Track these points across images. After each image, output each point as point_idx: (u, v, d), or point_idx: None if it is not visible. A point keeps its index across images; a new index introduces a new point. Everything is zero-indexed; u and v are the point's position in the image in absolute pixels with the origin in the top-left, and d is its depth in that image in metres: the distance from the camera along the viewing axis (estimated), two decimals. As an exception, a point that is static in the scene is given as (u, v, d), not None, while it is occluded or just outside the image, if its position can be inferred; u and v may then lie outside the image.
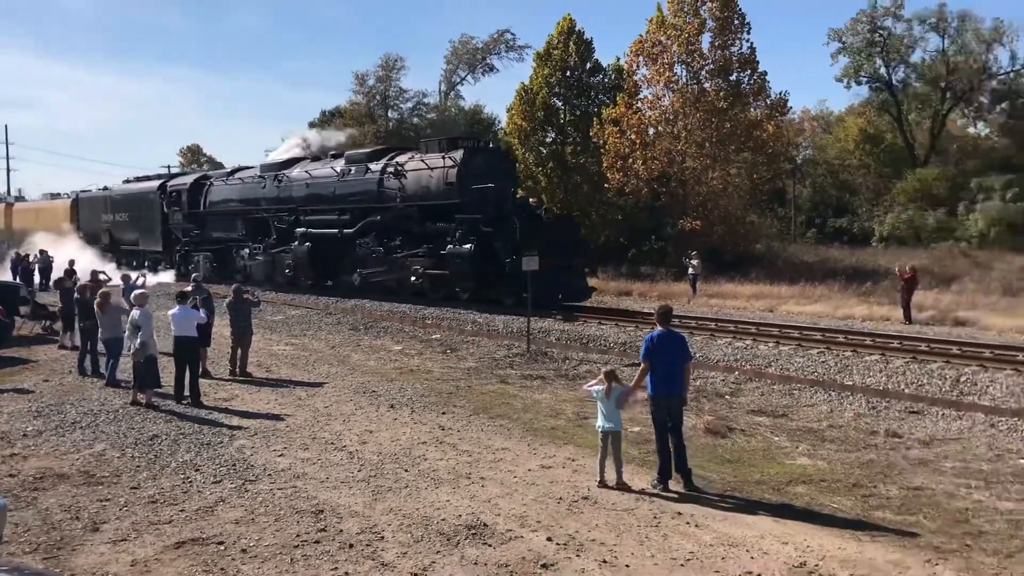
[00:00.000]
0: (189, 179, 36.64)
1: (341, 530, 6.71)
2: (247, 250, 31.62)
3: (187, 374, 11.78)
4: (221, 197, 33.40)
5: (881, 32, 48.94)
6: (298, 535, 6.60)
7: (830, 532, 6.68)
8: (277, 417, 10.63)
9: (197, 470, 8.36)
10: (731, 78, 38.07)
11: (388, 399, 11.66)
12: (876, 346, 15.14)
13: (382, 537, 6.56)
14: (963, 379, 12.22)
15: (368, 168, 26.04)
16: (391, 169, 25.12)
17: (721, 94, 37.17)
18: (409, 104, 61.22)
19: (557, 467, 8.46)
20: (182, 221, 35.04)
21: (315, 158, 30.84)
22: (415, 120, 59.50)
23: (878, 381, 12.56)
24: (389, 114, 59.47)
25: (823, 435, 9.89)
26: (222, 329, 14.80)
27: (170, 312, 12.28)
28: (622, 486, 7.77)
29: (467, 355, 15.70)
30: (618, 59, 46.59)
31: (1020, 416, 10.48)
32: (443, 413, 10.83)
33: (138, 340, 11.44)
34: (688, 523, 6.89)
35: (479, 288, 22.42)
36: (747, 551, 6.29)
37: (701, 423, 10.09)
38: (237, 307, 13.89)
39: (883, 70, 49.69)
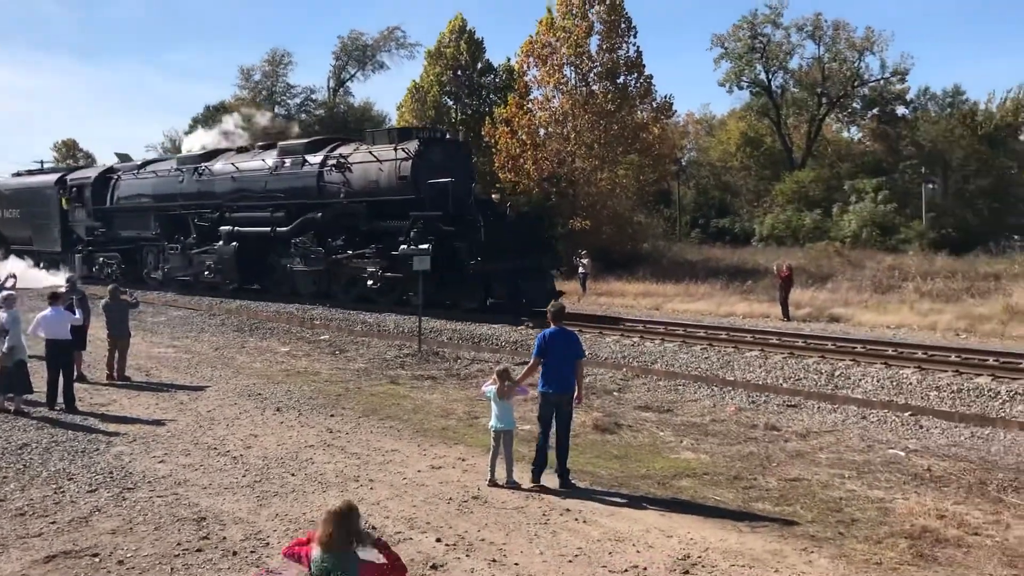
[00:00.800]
0: (93, 172, 33.41)
1: (224, 537, 6.52)
2: (161, 250, 28.90)
3: (60, 378, 11.24)
4: (131, 192, 30.44)
5: (761, 39, 50.77)
6: (179, 544, 6.38)
7: (713, 524, 6.87)
8: (158, 422, 10.26)
9: (71, 479, 7.98)
10: (618, 81, 38.81)
11: (274, 402, 11.41)
12: (756, 342, 15.68)
13: (267, 543, 6.41)
14: (837, 373, 12.77)
15: (305, 161, 23.70)
16: (332, 162, 22.87)
17: (609, 96, 37.84)
18: (297, 100, 60.17)
19: (447, 467, 8.44)
20: (85, 218, 32.02)
21: (241, 149, 28.31)
22: (303, 116, 58.44)
23: (758, 376, 12.99)
24: (276, 110, 58.19)
25: (706, 429, 10.17)
26: (99, 331, 14.20)
27: (41, 314, 11.68)
28: (512, 485, 7.80)
29: (356, 356, 15.51)
30: (509, 59, 46.89)
31: (890, 408, 11.02)
32: (331, 415, 10.66)
33: (6, 344, 10.85)
34: (577, 519, 6.97)
35: (438, 292, 20.35)
36: (633, 545, 6.41)
37: (590, 420, 10.22)
38: (114, 308, 13.34)
39: (763, 75, 51.54)
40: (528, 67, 40.53)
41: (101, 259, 31.69)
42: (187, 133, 66.48)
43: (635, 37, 39.31)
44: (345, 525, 4.19)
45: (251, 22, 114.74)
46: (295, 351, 16.06)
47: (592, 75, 39.05)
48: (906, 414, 10.76)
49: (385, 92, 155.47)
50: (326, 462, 8.57)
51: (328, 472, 8.22)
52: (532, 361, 8.06)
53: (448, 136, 23.67)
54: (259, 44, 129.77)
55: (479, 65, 47.20)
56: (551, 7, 39.70)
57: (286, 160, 24.27)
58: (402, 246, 20.18)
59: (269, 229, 24.28)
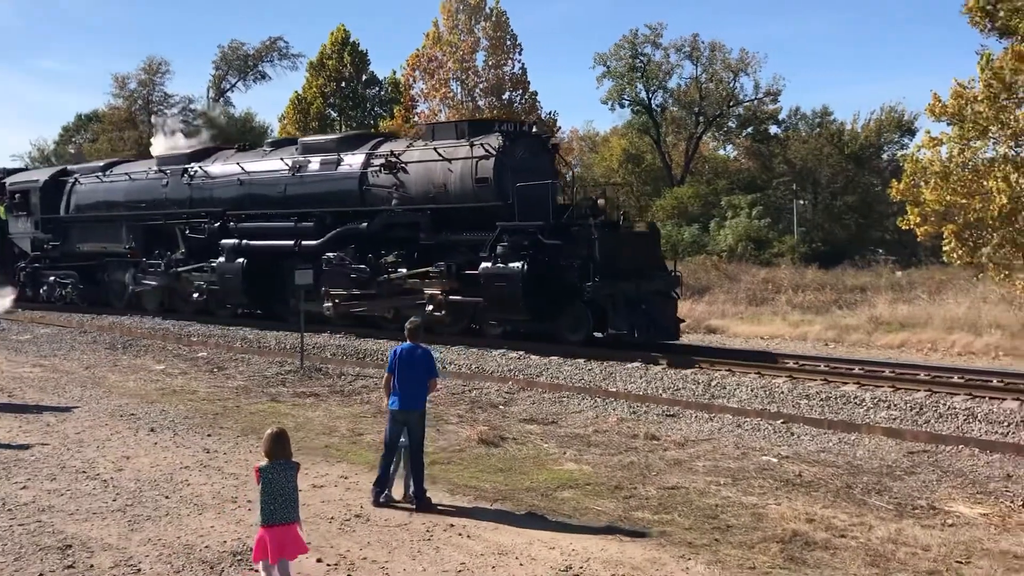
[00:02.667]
0: (41, 175, 28.65)
1: (92, 565, 6.23)
2: (137, 268, 24.38)
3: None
4: (95, 198, 25.86)
5: (642, 59, 52.07)
6: (41, 574, 6.06)
7: (594, 534, 6.96)
8: (21, 446, 9.72)
9: (-79, 510, 7.48)
10: (504, 97, 39.17)
11: (148, 422, 10.98)
12: (637, 354, 15.99)
13: (138, 570, 6.15)
14: (714, 383, 13.17)
15: (341, 161, 19.81)
16: (379, 162, 19.01)
17: (495, 112, 38.16)
18: (175, 110, 58.33)
19: (329, 486, 8.30)
20: (31, 230, 27.42)
21: (243, 147, 24.24)
22: (180, 127, 56.65)
23: (639, 387, 13.28)
24: (152, 120, 56.33)
25: (589, 440, 10.31)
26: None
27: None
28: (414, 498, 7.72)
29: (236, 373, 15.09)
30: (394, 72, 46.74)
31: (763, 416, 11.42)
32: (208, 435, 10.34)
33: None
34: (460, 534, 6.96)
35: (533, 320, 16.85)
36: (516, 558, 6.43)
37: (475, 434, 10.23)
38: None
39: (644, 94, 52.84)
40: (414, 80, 40.52)
41: (52, 278, 27.20)
42: (57, 143, 63.64)
43: (520, 54, 39.85)
44: (280, 441, 5.85)
45: (126, 29, 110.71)
46: (171, 369, 15.51)
47: (478, 90, 39.32)
48: (778, 422, 11.17)
49: (268, 103, 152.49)
50: (203, 483, 8.30)
51: (205, 494, 7.97)
52: (385, 377, 7.97)
53: (534, 129, 19.29)
54: (135, 51, 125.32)
55: (363, 77, 46.85)
56: (438, 21, 39.83)
57: (312, 160, 20.42)
58: (483, 263, 16.73)
59: (291, 243, 20.18)
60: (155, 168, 24.66)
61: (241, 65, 58.58)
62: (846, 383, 12.67)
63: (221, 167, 22.69)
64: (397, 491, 7.79)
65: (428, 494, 7.77)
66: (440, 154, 18.04)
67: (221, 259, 21.58)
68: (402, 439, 7.78)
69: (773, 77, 62.43)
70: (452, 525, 7.16)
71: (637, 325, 15.83)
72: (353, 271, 19.04)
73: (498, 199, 17.14)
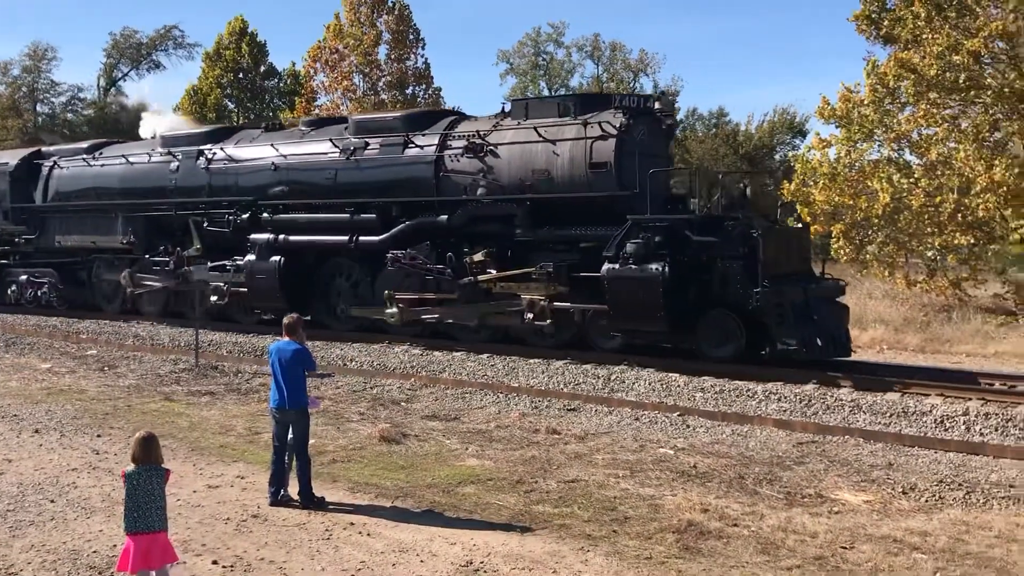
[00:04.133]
0: (11, 158, 24.20)
1: (-31, 575, 5.95)
2: (135, 266, 20.74)
3: None
4: (81, 185, 22.09)
5: (544, 56, 52.53)
6: (-86, 586, 5.76)
7: (495, 529, 7.00)
8: None
9: None
10: (407, 91, 38.93)
11: (33, 423, 10.53)
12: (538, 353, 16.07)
13: (20, 578, 5.90)
14: (613, 377, 13.37)
15: (410, 143, 16.85)
16: (459, 144, 16.18)
17: (398, 106, 37.89)
18: (62, 98, 55.96)
19: (225, 486, 8.12)
20: (0, 220, 23.69)
21: (272, 127, 20.85)
22: (69, 116, 54.47)
23: (541, 381, 13.39)
24: (38, 108, 53.96)
25: (491, 435, 10.36)
26: None
27: None
28: (290, 501, 7.61)
29: (127, 372, 14.60)
30: (294, 64, 45.96)
31: (660, 409, 11.67)
32: (98, 436, 9.98)
33: None
34: (360, 533, 6.90)
35: (673, 331, 14.10)
36: (417, 555, 6.42)
37: (376, 431, 10.15)
38: None
39: (546, 92, 53.23)
40: (315, 72, 39.89)
41: (24, 277, 23.17)
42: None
43: (424, 49, 39.64)
44: (147, 446, 5.62)
45: (9, 12, 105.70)
46: (58, 367, 14.90)
47: (381, 84, 38.96)
48: (675, 414, 11.43)
49: (163, 93, 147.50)
50: (91, 486, 8.01)
51: (93, 496, 7.69)
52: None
53: (657, 104, 15.90)
54: (18, 36, 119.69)
55: (262, 68, 45.90)
56: (339, 13, 39.30)
57: (371, 142, 17.36)
58: (608, 264, 13.98)
59: (347, 238, 17.16)
60: (160, 150, 20.87)
61: (134, 54, 56.58)
62: (740, 377, 13.01)
63: (249, 150, 19.33)
64: (294, 490, 7.67)
65: (326, 493, 7.69)
66: (541, 135, 15.27)
67: (250, 256, 18.31)
68: (289, 437, 7.68)
69: (671, 78, 63.92)
70: (352, 523, 7.09)
71: (809, 339, 13.20)
72: (429, 271, 16.13)
73: (619, 188, 14.53)
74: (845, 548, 6.67)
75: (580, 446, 9.88)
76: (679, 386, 12.71)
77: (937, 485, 8.39)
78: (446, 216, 16.10)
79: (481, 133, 15.97)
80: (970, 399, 11.34)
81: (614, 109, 14.98)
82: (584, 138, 14.80)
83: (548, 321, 14.91)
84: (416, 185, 16.71)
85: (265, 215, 18.48)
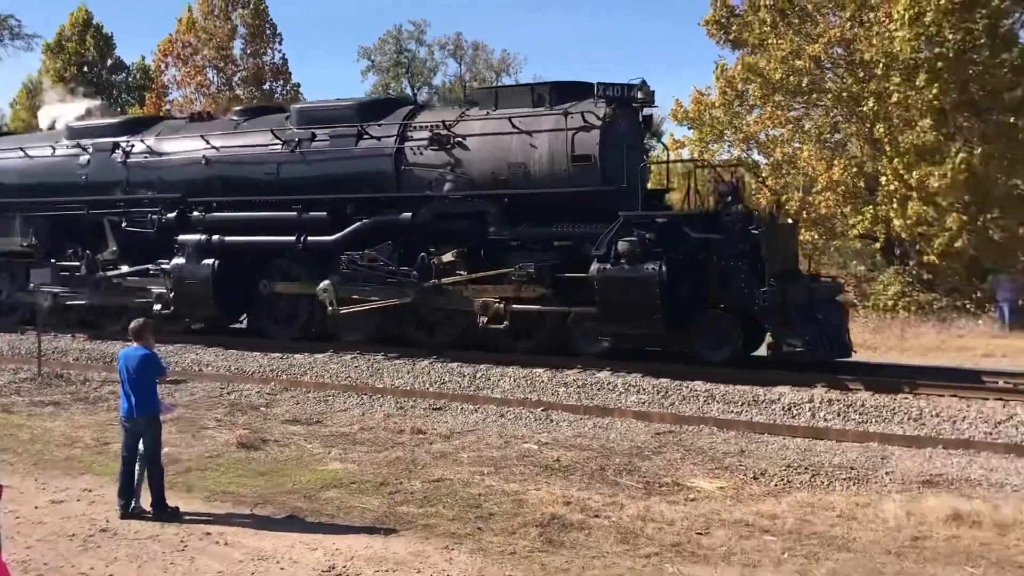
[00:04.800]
0: None
1: None
2: (36, 273, 18.23)
3: None
4: None
5: (406, 54, 52.25)
6: None
7: (359, 532, 6.90)
8: None
9: None
10: (264, 87, 37.97)
11: None
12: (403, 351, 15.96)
13: None
14: (479, 375, 13.41)
15: (365, 134, 15.47)
16: (423, 135, 14.96)
17: (255, 102, 36.90)
18: None
19: (71, 501, 7.70)
20: None
21: (198, 116, 19.06)
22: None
23: (406, 382, 13.31)
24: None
25: (355, 438, 10.21)
26: None
27: None
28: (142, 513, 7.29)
29: (-38, 383, 13.64)
30: (143, 58, 44.10)
31: (524, 405, 11.79)
32: (-74, 453, 9.28)
33: None
34: (217, 543, 6.67)
35: (668, 333, 13.19)
36: (277, 562, 6.26)
37: (234, 437, 9.84)
38: None
39: (409, 90, 52.99)
40: (166, 67, 38.38)
41: None
42: None
43: (281, 44, 38.74)
44: None
45: None
46: None
47: (236, 79, 37.84)
48: (539, 410, 11.58)
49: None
50: (-83, 508, 7.43)
51: (-80, 519, 7.13)
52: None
53: (640, 94, 14.62)
54: None
55: (108, 62, 43.80)
56: (192, 6, 37.93)
57: (319, 133, 15.94)
58: (597, 264, 13.05)
59: (294, 238, 15.75)
60: (67, 143, 18.85)
61: (-36, 43, 52.91)
62: (601, 370, 13.29)
63: (175, 142, 17.59)
64: (147, 501, 7.35)
65: (180, 503, 7.40)
66: (515, 125, 14.19)
67: (178, 260, 16.57)
68: (140, 446, 7.37)
69: (533, 77, 64.69)
70: (208, 533, 6.85)
71: (813, 340, 12.50)
72: (392, 274, 14.88)
73: (603, 182, 13.65)
74: (700, 534, 6.90)
75: (446, 445, 9.86)
76: (543, 382, 12.87)
77: (785, 469, 8.79)
78: (410, 213, 14.89)
79: (447, 123, 14.87)
80: (815, 386, 11.90)
81: (595, 98, 13.96)
82: (565, 129, 13.80)
83: (505, 324, 13.95)
84: (374, 180, 15.39)
85: (196, 214, 16.77)
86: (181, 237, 16.70)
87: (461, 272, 14.41)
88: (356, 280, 15.13)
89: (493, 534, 6.88)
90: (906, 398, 11.21)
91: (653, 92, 14.72)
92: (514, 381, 13.01)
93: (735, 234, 12.86)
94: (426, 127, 15.02)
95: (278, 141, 16.26)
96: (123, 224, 17.62)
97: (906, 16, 21.87)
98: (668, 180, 16.34)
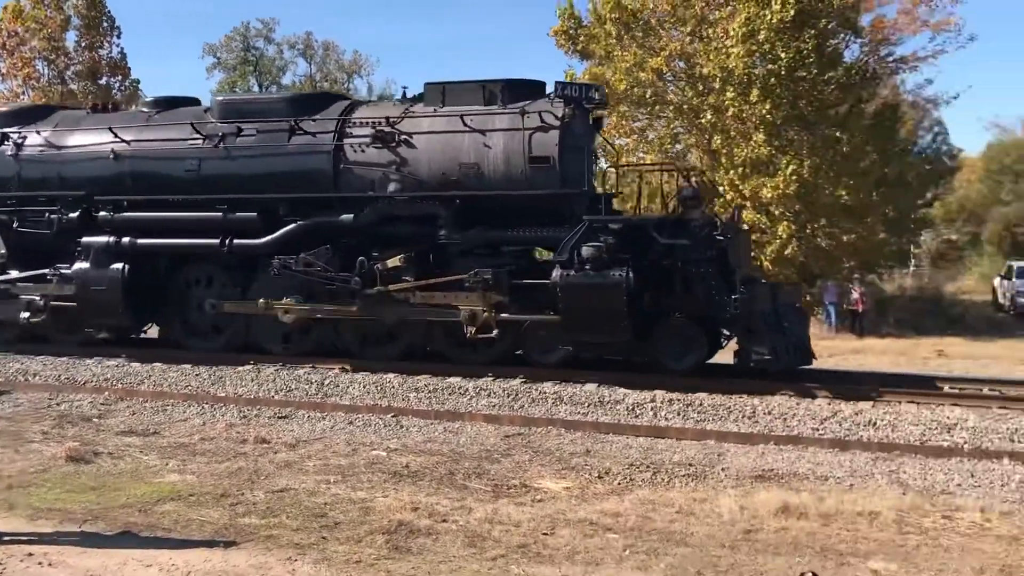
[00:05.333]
0: None
1: None
2: None
3: None
4: None
5: (254, 52, 50.88)
6: None
7: (197, 546, 6.64)
8: None
9: None
10: (101, 82, 36.08)
11: None
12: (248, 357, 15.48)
13: None
14: (327, 382, 13.17)
15: (297, 130, 14.41)
16: (365, 132, 14.06)
17: (89, 97, 34.98)
18: None
19: None
20: None
21: (98, 108, 17.34)
22: None
23: (250, 390, 12.91)
24: None
25: (195, 449, 9.83)
26: None
27: None
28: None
29: None
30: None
31: (374, 412, 11.66)
32: None
33: None
34: (41, 563, 6.27)
35: (632, 341, 12.82)
36: (107, 582, 5.95)
37: (63, 451, 9.29)
38: None
39: (257, 88, 51.67)
40: (-10, 57, 35.87)
41: None
42: None
43: (119, 38, 36.90)
44: None
45: None
46: None
47: (70, 73, 35.80)
48: (389, 416, 11.48)
49: None
50: None
51: None
52: None
53: (598, 94, 14.18)
54: None
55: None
56: (18, -7, 35.61)
57: (245, 128, 14.76)
58: (559, 270, 12.70)
59: (218, 241, 14.60)
60: None
61: None
62: (451, 375, 13.29)
63: (77, 135, 16.01)
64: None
65: (0, 523, 6.92)
66: (467, 124, 13.52)
67: (82, 264, 15.14)
68: None
69: (386, 80, 64.30)
70: (31, 554, 6.42)
71: (778, 348, 12.45)
72: (331, 280, 13.96)
73: (562, 184, 13.19)
74: (546, 534, 7.01)
75: (291, 454, 9.63)
76: (394, 387, 12.76)
77: (628, 468, 9.06)
78: (352, 215, 13.92)
79: (391, 120, 14.01)
80: (656, 390, 12.25)
81: (553, 97, 13.43)
82: (521, 129, 13.24)
83: (493, 332, 13.22)
84: (309, 179, 14.34)
85: (103, 214, 15.29)
86: (86, 239, 15.21)
87: (407, 278, 13.66)
88: (288, 288, 14.28)
89: (338, 543, 6.77)
90: (740, 397, 11.72)
91: (607, 94, 14.48)
92: (363, 387, 12.84)
93: (702, 240, 12.71)
94: (367, 123, 14.13)
95: (198, 136, 14.97)
96: (15, 224, 15.83)
97: (740, 33, 23.02)
98: (618, 185, 15.94)
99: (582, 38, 26.85)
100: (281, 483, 8.41)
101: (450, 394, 12.40)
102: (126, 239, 15.07)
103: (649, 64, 24.55)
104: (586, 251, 12.51)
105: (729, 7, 24.50)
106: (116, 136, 15.51)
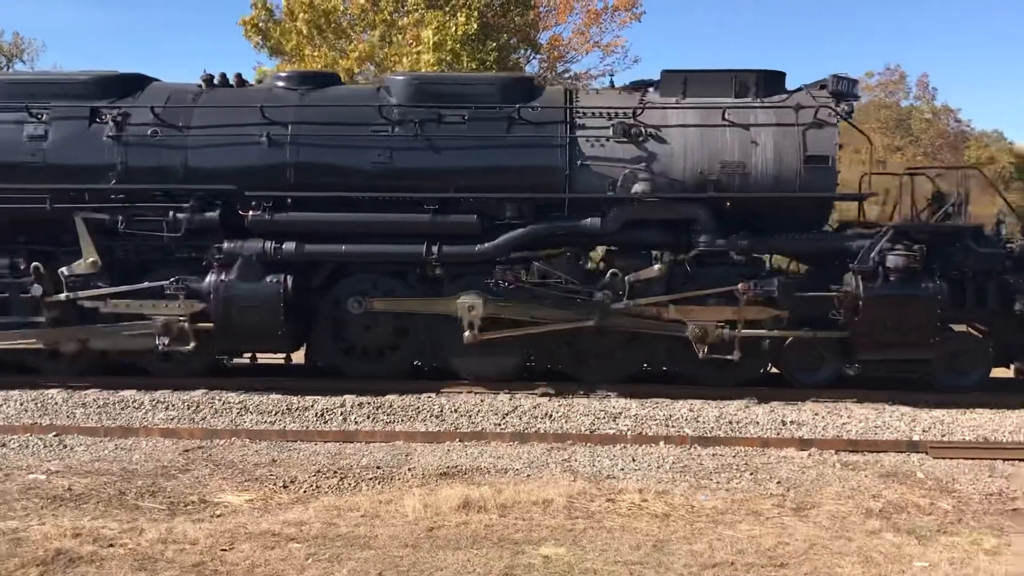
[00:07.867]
0: None
1: None
2: None
3: None
4: None
5: None
6: None
7: None
8: None
9: None
10: None
11: None
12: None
13: None
14: None
15: (518, 120, 12.20)
16: (599, 124, 12.13)
17: None
18: None
19: None
20: None
21: (219, 81, 13.33)
22: None
23: None
24: None
25: None
26: None
27: None
28: None
29: None
30: None
31: (33, 431, 10.57)
32: None
33: None
34: None
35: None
36: None
37: None
38: None
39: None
40: None
41: None
42: None
43: None
44: None
45: None
46: None
47: None
48: (50, 435, 10.45)
49: None
50: None
51: None
52: None
53: (855, 88, 12.90)
54: None
55: None
56: None
57: (446, 114, 12.20)
58: (858, 280, 11.64)
59: (423, 247, 12.07)
60: (35, 104, 12.56)
61: None
62: (126, 388, 12.36)
63: (206, 114, 12.53)
64: None
65: None
66: (728, 119, 12.12)
67: (226, 275, 12.02)
68: None
69: (54, 64, 58.50)
70: None
71: None
72: (571, 292, 12.08)
73: (837, 186, 12.42)
74: (225, 550, 6.72)
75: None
76: (56, 404, 11.66)
77: (315, 475, 8.92)
78: (598, 219, 12.13)
79: (635, 111, 12.28)
80: (346, 395, 12.08)
81: (825, 91, 12.41)
82: (795, 125, 12.10)
83: (736, 355, 11.92)
84: (536, 176, 12.33)
85: (254, 213, 12.24)
86: (229, 244, 12.21)
87: (657, 290, 12.21)
88: (514, 298, 12.23)
89: (-15, 580, 6.06)
90: (429, 397, 11.97)
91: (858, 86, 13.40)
92: (21, 405, 11.62)
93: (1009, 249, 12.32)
94: (603, 113, 12.38)
95: (385, 121, 12.42)
96: (121, 224, 12.33)
97: (431, 42, 23.63)
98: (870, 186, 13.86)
99: (276, 33, 26.16)
100: (-89, 519, 7.37)
101: (123, 408, 11.53)
102: (288, 245, 12.24)
103: (341, 66, 24.47)
104: (895, 260, 11.71)
105: (418, 13, 25.02)
106: (266, 117, 12.38)
